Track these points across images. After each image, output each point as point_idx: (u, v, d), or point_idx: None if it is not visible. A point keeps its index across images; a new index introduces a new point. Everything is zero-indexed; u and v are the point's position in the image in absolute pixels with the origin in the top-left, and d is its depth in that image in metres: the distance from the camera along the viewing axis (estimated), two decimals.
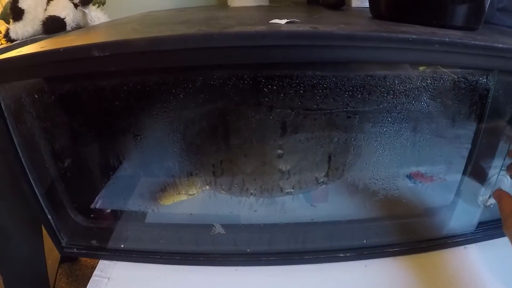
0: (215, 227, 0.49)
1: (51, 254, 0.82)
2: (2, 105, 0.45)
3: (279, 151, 0.61)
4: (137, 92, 0.46)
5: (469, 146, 0.50)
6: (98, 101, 0.48)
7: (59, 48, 0.40)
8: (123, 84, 0.46)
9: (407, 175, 0.60)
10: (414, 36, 0.38)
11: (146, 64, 0.39)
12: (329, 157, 0.58)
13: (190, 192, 0.58)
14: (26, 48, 0.45)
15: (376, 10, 0.52)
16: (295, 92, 0.41)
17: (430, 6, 0.45)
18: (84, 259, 1.04)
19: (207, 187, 0.60)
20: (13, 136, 0.47)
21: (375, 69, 0.40)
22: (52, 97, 0.46)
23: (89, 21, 0.69)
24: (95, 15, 0.70)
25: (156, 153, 0.59)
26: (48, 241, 0.76)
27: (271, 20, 0.42)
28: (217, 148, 0.57)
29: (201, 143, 0.56)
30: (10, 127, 0.46)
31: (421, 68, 0.45)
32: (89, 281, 0.53)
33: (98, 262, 0.54)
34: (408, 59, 0.41)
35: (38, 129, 0.48)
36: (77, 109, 0.49)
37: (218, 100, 0.48)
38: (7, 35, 0.71)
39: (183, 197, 0.58)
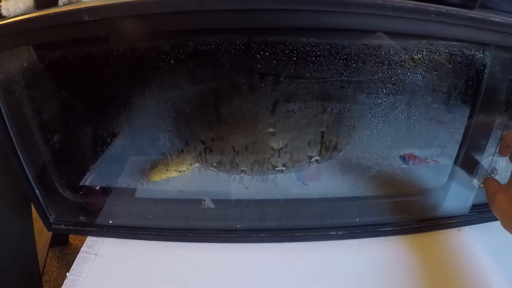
0: (205, 202, 0.48)
1: (41, 236, 0.80)
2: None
3: (271, 129, 0.61)
4: (126, 60, 0.45)
5: (463, 129, 0.50)
6: (86, 70, 0.47)
7: (49, 13, 0.39)
8: (111, 52, 0.44)
9: (400, 156, 0.60)
10: (410, 5, 0.37)
11: (136, 30, 0.38)
12: (322, 134, 0.57)
13: (180, 169, 0.57)
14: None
15: None
16: (287, 59, 0.40)
17: None
18: (75, 242, 1.03)
19: (197, 164, 0.59)
20: (1, 107, 0.46)
21: (370, 37, 0.40)
22: (41, 65, 0.45)
23: None
24: None
25: (145, 129, 0.58)
26: (38, 223, 0.75)
27: None
28: (207, 123, 0.56)
29: (190, 117, 0.55)
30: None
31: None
32: None
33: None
34: (404, 28, 0.40)
35: (27, 100, 0.47)
36: (65, 78, 0.48)
37: (209, 71, 0.47)
38: None
39: (173, 174, 0.57)
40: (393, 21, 0.37)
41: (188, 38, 0.39)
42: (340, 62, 0.41)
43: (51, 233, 0.93)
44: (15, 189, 0.71)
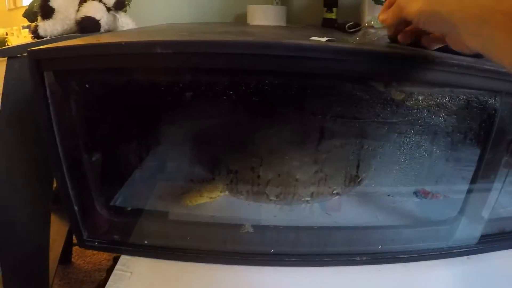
0: (245, 226, 0.51)
1: (52, 253, 0.80)
2: (47, 92, 0.46)
3: (297, 162, 0.65)
4: (172, 92, 0.48)
5: (473, 167, 0.55)
6: (139, 97, 0.50)
7: (121, 42, 0.42)
8: (163, 83, 0.48)
9: (414, 192, 0.65)
10: (437, 59, 0.43)
11: (200, 65, 0.42)
12: (345, 169, 0.62)
13: (212, 196, 0.60)
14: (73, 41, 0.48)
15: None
16: (336, 101, 0.45)
17: None
18: (77, 262, 1.02)
19: (227, 192, 0.62)
20: (54, 124, 0.48)
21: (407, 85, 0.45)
22: (101, 89, 0.48)
23: (119, 26, 0.72)
24: (124, 20, 0.73)
25: (180, 155, 0.61)
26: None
27: (310, 37, 0.47)
28: (238, 155, 0.60)
29: (222, 149, 0.59)
30: (52, 115, 0.48)
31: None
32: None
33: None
34: (428, 78, 0.46)
35: (78, 117, 0.49)
36: (117, 103, 0.51)
37: (253, 106, 0.51)
38: (35, 32, 0.73)
39: (206, 200, 0.60)
40: (429, 72, 0.43)
41: (249, 78, 0.44)
42: (378, 105, 0.46)
43: (60, 250, 0.93)
44: (39, 205, 0.72)
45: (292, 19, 0.93)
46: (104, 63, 0.45)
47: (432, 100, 0.49)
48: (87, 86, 0.47)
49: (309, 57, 0.40)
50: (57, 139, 0.49)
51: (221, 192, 0.62)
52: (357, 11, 0.94)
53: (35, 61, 0.45)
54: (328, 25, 0.88)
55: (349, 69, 0.42)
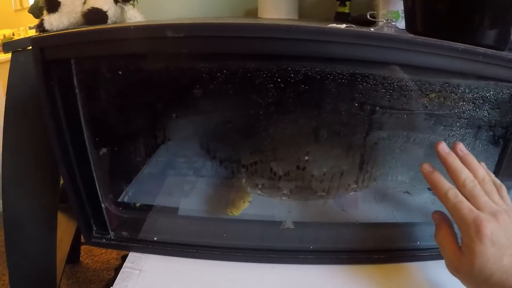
0: (286, 222, 0.49)
1: (59, 252, 0.78)
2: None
3: (310, 157, 0.63)
4: (184, 80, 0.46)
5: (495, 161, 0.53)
6: (144, 86, 0.48)
7: (129, 26, 0.40)
8: (173, 71, 0.46)
9: (428, 188, 0.62)
10: (462, 46, 0.41)
11: (215, 50, 0.40)
12: (361, 164, 0.59)
13: (250, 199, 0.57)
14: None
15: (413, 27, 0.56)
16: (390, 92, 0.43)
17: (465, 26, 0.49)
18: (85, 261, 1.00)
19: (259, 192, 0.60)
20: (60, 111, 0.46)
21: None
22: (111, 76, 0.46)
23: (127, 19, 0.70)
24: (132, 13, 0.71)
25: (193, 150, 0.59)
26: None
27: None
28: (256, 148, 0.57)
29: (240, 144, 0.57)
30: (58, 106, 0.46)
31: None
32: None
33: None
34: (454, 67, 0.43)
35: (86, 109, 0.48)
36: (124, 92, 0.49)
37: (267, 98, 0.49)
38: (41, 26, 0.71)
39: (247, 204, 0.56)
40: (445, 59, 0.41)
41: (266, 64, 0.42)
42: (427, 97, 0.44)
43: (68, 249, 0.92)
44: (45, 202, 0.71)
45: (304, 14, 0.91)
46: (110, 49, 0.42)
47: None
48: (93, 74, 0.45)
49: (334, 42, 0.38)
50: (64, 131, 0.47)
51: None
52: (371, 5, 0.91)
53: (39, 49, 0.44)
54: (341, 19, 0.85)
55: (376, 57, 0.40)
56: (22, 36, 2.06)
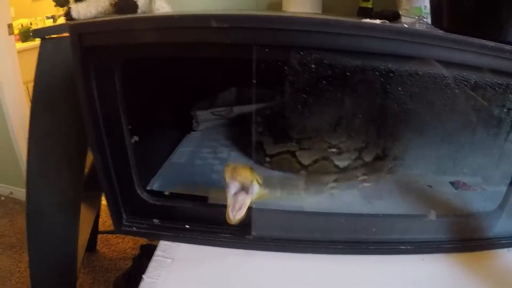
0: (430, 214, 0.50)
1: (79, 241, 0.79)
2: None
3: (335, 149, 0.64)
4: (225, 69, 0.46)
5: None
6: (183, 75, 0.48)
7: (172, 15, 0.41)
8: (214, 61, 0.46)
9: (450, 182, 0.63)
10: (492, 44, 0.41)
11: (258, 41, 0.40)
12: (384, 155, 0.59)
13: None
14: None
15: (439, 23, 0.56)
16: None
17: (492, 22, 0.49)
18: (102, 250, 1.01)
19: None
20: (96, 99, 0.47)
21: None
22: (142, 65, 0.46)
23: (155, 9, 0.70)
24: (160, 4, 0.72)
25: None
26: None
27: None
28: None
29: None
30: (95, 93, 0.47)
31: None
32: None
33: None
34: (483, 62, 0.44)
35: (122, 95, 0.48)
36: (163, 81, 0.49)
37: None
38: (68, 14, 0.71)
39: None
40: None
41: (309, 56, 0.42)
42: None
43: (87, 238, 0.92)
44: (69, 191, 0.71)
45: (326, 8, 0.90)
46: (150, 37, 0.42)
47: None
48: (131, 62, 0.45)
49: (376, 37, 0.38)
50: (100, 118, 0.48)
51: None
52: (393, 1, 0.91)
53: (77, 35, 0.44)
54: (364, 14, 0.85)
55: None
56: (40, 26, 2.07)
